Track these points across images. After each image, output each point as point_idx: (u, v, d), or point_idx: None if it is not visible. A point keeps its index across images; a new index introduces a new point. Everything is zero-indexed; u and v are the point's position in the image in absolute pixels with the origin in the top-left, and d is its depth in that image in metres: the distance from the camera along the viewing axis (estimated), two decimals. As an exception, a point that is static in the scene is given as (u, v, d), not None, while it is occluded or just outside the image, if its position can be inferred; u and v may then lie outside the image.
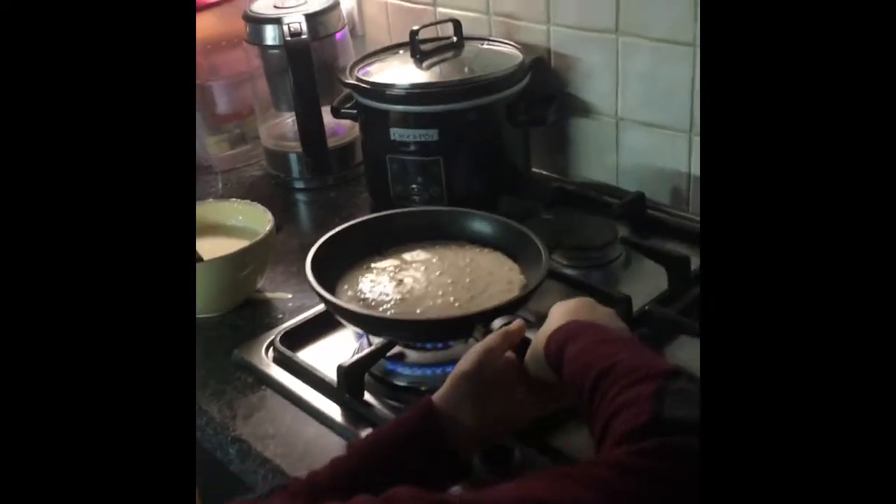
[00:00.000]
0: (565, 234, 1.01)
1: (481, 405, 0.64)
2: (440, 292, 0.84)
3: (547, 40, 1.15)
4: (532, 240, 0.87)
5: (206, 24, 1.28)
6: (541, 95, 1.12)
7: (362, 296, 0.84)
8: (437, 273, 0.87)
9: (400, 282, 0.86)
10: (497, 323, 0.71)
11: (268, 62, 1.23)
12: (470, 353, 0.66)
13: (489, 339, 0.67)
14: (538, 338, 0.64)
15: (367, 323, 0.81)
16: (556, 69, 1.15)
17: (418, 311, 0.81)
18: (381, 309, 0.82)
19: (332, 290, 0.84)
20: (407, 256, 0.91)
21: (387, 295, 0.84)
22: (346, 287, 0.86)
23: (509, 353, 0.67)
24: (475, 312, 0.76)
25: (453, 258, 0.90)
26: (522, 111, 1.09)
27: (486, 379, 0.65)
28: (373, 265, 0.89)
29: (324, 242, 0.88)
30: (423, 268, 0.88)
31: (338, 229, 0.91)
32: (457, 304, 0.82)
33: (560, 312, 0.64)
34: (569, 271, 0.97)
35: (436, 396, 0.65)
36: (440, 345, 0.84)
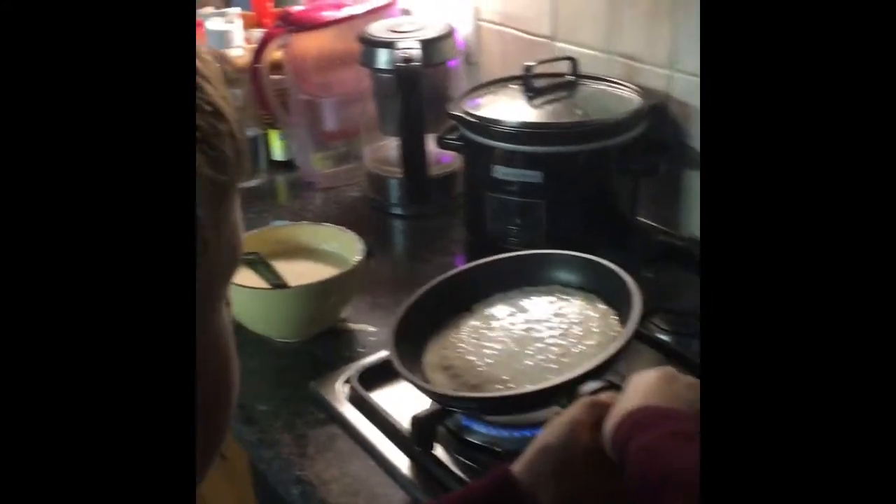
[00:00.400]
0: (666, 295, 0.95)
1: (566, 485, 0.59)
2: (529, 351, 0.80)
3: (668, 86, 1.09)
4: (624, 281, 0.81)
5: (323, 42, 1.28)
6: (656, 143, 1.06)
7: (447, 363, 0.81)
8: (525, 329, 0.82)
9: (486, 344, 0.82)
10: (586, 388, 0.67)
11: (378, 85, 1.22)
12: (555, 425, 0.61)
13: (576, 411, 0.62)
14: (611, 418, 0.59)
15: (448, 401, 0.77)
16: (675, 117, 1.09)
17: (506, 377, 0.77)
18: (467, 376, 0.78)
19: (417, 357, 0.81)
20: (493, 312, 0.86)
21: (473, 359, 0.80)
22: (431, 355, 0.83)
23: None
24: (558, 384, 0.71)
25: (542, 310, 0.84)
26: (635, 159, 1.04)
27: (572, 455, 0.59)
28: (459, 325, 0.85)
29: (408, 309, 0.84)
30: (510, 324, 0.84)
31: (424, 290, 0.86)
32: (548, 364, 0.77)
33: (636, 390, 0.60)
34: (664, 337, 0.90)
35: (515, 467, 0.60)
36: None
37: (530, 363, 0.78)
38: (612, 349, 0.74)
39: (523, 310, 0.86)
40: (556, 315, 0.84)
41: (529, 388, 0.75)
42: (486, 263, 0.91)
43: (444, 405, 0.77)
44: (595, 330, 0.81)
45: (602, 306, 0.84)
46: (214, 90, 0.31)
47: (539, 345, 0.80)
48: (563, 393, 0.70)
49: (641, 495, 0.52)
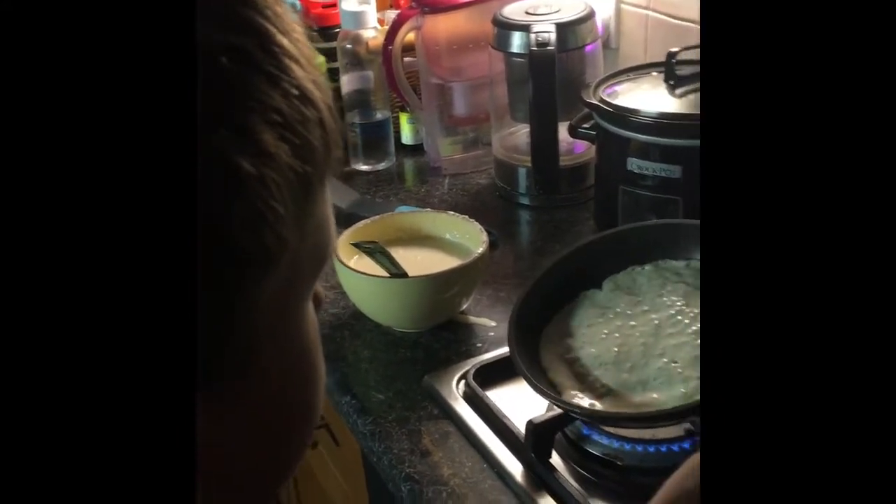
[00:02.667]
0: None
1: None
2: (661, 350, 0.73)
3: (827, 76, 0.99)
4: None
5: (456, 24, 1.25)
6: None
7: (570, 355, 0.76)
8: (659, 320, 0.76)
9: (613, 336, 0.76)
10: None
11: (511, 69, 1.18)
12: (693, 467, 0.54)
13: None
14: None
15: (567, 408, 0.72)
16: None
17: (632, 378, 0.72)
18: (592, 374, 0.73)
19: (537, 345, 0.77)
20: (626, 294, 0.79)
21: (598, 356, 0.74)
22: (552, 344, 0.78)
23: None
24: (685, 408, 0.66)
25: (681, 294, 0.77)
26: (784, 156, 0.95)
27: None
28: (584, 308, 0.80)
29: (532, 288, 0.79)
30: (642, 312, 0.77)
31: (550, 266, 0.81)
32: (679, 369, 0.71)
33: None
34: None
35: None
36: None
37: (661, 365, 0.72)
38: None
39: (658, 293, 0.78)
40: (695, 301, 0.76)
41: (654, 404, 0.69)
42: (618, 232, 0.85)
43: (564, 409, 0.73)
44: None
45: None
46: (304, 73, 0.28)
47: (673, 342, 0.74)
48: (693, 413, 0.64)
49: None
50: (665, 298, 0.78)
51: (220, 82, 0.25)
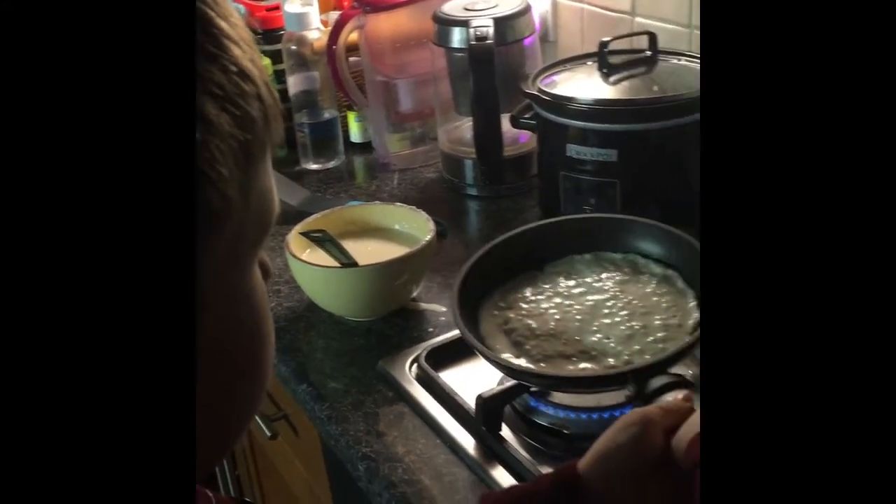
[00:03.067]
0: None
1: (634, 490, 0.55)
2: (596, 327, 0.77)
3: (752, 60, 1.04)
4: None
5: (398, 22, 1.28)
6: (738, 121, 1.02)
7: (508, 325, 0.79)
8: (595, 301, 0.80)
9: (556, 311, 0.80)
10: (655, 383, 0.63)
11: (452, 64, 1.21)
12: (627, 423, 0.57)
13: (649, 411, 0.58)
14: (688, 427, 0.55)
15: (500, 366, 0.75)
16: (759, 93, 1.04)
17: (568, 349, 0.75)
18: (528, 343, 0.77)
19: (477, 315, 0.80)
20: (564, 279, 0.83)
21: (535, 327, 0.78)
22: (491, 313, 0.81)
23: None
24: (625, 370, 0.69)
25: (617, 281, 0.81)
26: (714, 137, 1.00)
27: (644, 458, 0.55)
28: (528, 286, 0.83)
29: (474, 263, 0.83)
30: (578, 293, 0.81)
31: (488, 247, 0.85)
32: (612, 344, 0.75)
33: None
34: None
35: (583, 466, 0.56)
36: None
37: (595, 339, 0.76)
38: (682, 343, 0.72)
39: (596, 279, 0.83)
40: (630, 289, 0.81)
41: (592, 370, 0.73)
42: (560, 222, 0.89)
43: (502, 371, 0.76)
44: (670, 313, 0.78)
45: (681, 285, 0.81)
46: (242, 53, 0.31)
47: (607, 321, 0.78)
48: (632, 380, 0.67)
49: None
50: (602, 284, 0.83)
51: None
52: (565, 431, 0.76)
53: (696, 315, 0.77)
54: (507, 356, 0.75)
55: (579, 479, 0.56)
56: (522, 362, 0.74)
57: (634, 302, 0.80)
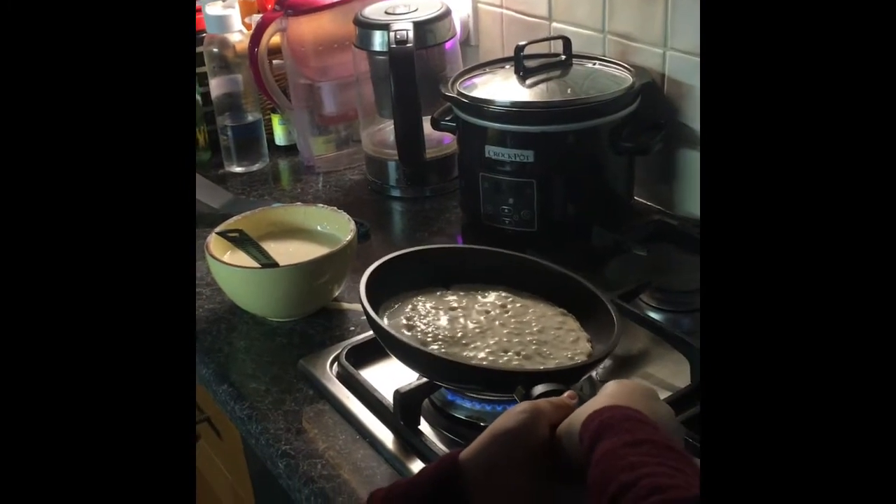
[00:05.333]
0: (657, 273, 0.95)
1: (521, 475, 0.55)
2: (495, 341, 0.79)
3: (662, 65, 1.08)
4: (609, 312, 0.80)
5: (321, 25, 1.29)
6: (649, 122, 1.06)
7: (411, 322, 0.81)
8: (499, 321, 0.82)
9: (457, 320, 0.82)
10: (538, 389, 0.65)
11: (374, 67, 1.22)
12: (514, 412, 0.57)
13: (541, 402, 0.59)
14: (578, 413, 0.56)
15: (400, 351, 0.76)
16: (669, 96, 1.09)
17: (466, 353, 0.77)
18: (428, 341, 0.78)
19: (379, 309, 0.81)
20: (473, 296, 0.86)
21: (438, 329, 0.80)
22: (397, 309, 0.83)
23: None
24: (518, 371, 0.72)
25: (521, 310, 0.84)
26: (627, 138, 1.03)
27: (531, 445, 0.56)
28: (436, 294, 0.86)
29: (388, 261, 0.85)
30: (486, 312, 0.83)
31: (404, 251, 0.87)
32: (510, 360, 0.77)
33: (610, 394, 0.57)
34: (654, 315, 0.91)
35: (465, 454, 0.57)
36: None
37: (491, 349, 0.78)
38: (576, 362, 0.75)
39: (500, 305, 0.85)
40: (532, 321, 0.83)
41: (487, 364, 0.75)
42: (476, 250, 0.91)
43: (400, 356, 0.77)
44: (566, 348, 0.79)
45: (581, 332, 0.82)
46: None
47: (506, 338, 0.80)
48: (522, 382, 0.68)
49: (598, 499, 0.49)
50: (504, 306, 0.85)
51: None
52: (481, 423, 0.78)
53: (587, 347, 0.79)
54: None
55: (459, 466, 0.56)
56: (424, 348, 0.76)
57: (535, 328, 0.81)
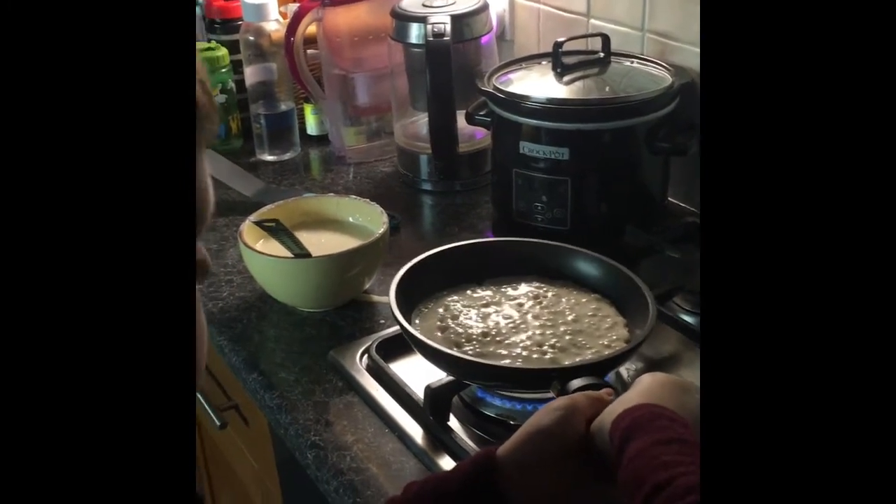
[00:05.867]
0: (690, 275, 0.94)
1: (558, 473, 0.56)
2: (529, 336, 0.79)
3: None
4: (643, 293, 0.80)
5: (357, 16, 1.29)
6: (686, 123, 1.05)
7: (444, 323, 0.81)
8: (532, 314, 0.82)
9: (489, 317, 0.82)
10: (575, 384, 0.65)
11: (410, 60, 1.22)
12: (550, 409, 0.58)
13: (574, 398, 0.59)
14: (610, 410, 0.56)
15: (434, 356, 0.76)
16: (707, 96, 1.07)
17: (500, 351, 0.77)
18: (462, 342, 0.78)
19: (412, 312, 0.81)
20: (505, 290, 0.86)
21: (471, 328, 0.80)
22: (429, 311, 0.83)
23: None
24: (552, 367, 0.71)
25: (554, 300, 0.84)
26: (663, 138, 1.02)
27: (566, 443, 0.56)
28: (467, 293, 0.86)
29: (417, 263, 0.85)
30: (519, 305, 0.83)
31: (434, 252, 0.87)
32: (545, 353, 0.77)
33: (642, 389, 0.57)
34: (687, 318, 0.90)
35: (502, 450, 0.57)
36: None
37: (528, 344, 0.78)
38: (613, 353, 0.74)
39: (537, 295, 0.85)
40: (569, 310, 0.83)
41: (527, 364, 0.75)
42: (505, 242, 0.91)
43: (436, 362, 0.77)
44: (602, 336, 0.79)
45: (617, 316, 0.82)
46: None
47: (539, 331, 0.80)
48: (557, 378, 0.68)
49: (630, 499, 0.49)
50: (538, 299, 0.85)
51: None
52: (511, 422, 0.78)
53: (625, 332, 0.79)
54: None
55: (496, 461, 0.56)
56: (457, 353, 0.76)
57: (569, 318, 0.82)
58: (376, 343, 0.88)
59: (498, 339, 0.79)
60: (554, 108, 1.00)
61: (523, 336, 0.79)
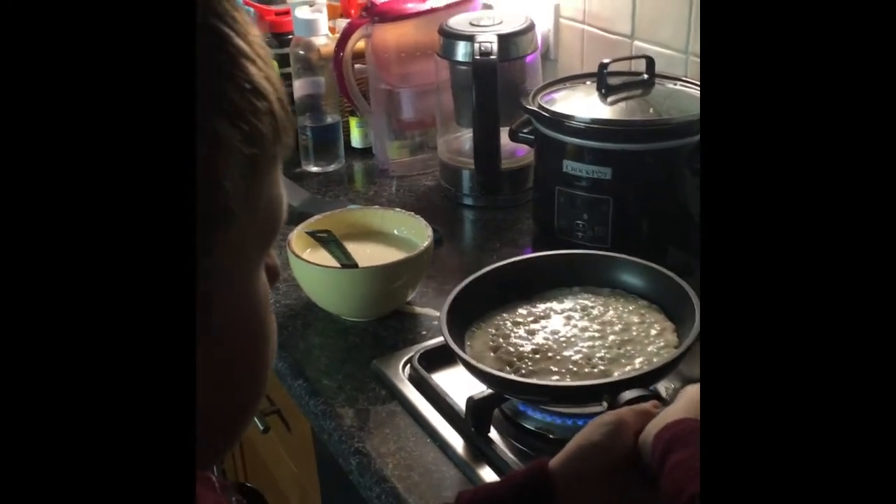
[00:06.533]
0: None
1: (603, 487, 0.58)
2: (580, 348, 0.81)
3: (745, 88, 1.08)
4: (689, 297, 0.81)
5: (405, 33, 1.31)
6: (729, 146, 1.06)
7: (495, 343, 0.83)
8: (581, 327, 0.84)
9: (539, 333, 0.84)
10: (626, 395, 0.67)
11: (455, 77, 1.24)
12: (599, 423, 0.60)
13: (622, 413, 0.61)
14: (655, 423, 0.58)
15: (486, 379, 0.78)
16: (750, 120, 1.08)
17: (551, 368, 0.79)
18: (514, 361, 0.80)
19: (464, 334, 0.83)
20: (553, 304, 0.88)
21: (522, 347, 0.82)
22: (480, 332, 0.85)
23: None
24: (602, 382, 0.73)
25: (602, 310, 0.86)
26: (706, 160, 1.03)
27: (615, 457, 0.58)
28: (517, 310, 0.87)
29: (466, 286, 0.87)
30: (567, 319, 0.85)
31: (482, 272, 0.89)
32: (596, 365, 0.79)
33: (685, 402, 0.58)
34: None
35: (553, 463, 0.59)
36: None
37: (577, 359, 0.79)
38: (661, 361, 0.76)
39: (584, 306, 0.87)
40: (617, 319, 0.85)
41: (571, 382, 0.77)
42: (550, 256, 0.93)
43: (487, 384, 0.79)
44: (650, 343, 0.81)
45: (665, 322, 0.84)
46: (258, 70, 0.33)
47: (589, 343, 0.81)
48: (607, 392, 0.70)
49: None
50: (586, 312, 0.86)
51: None
52: (551, 436, 0.79)
53: (674, 338, 0.81)
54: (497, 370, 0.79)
55: (550, 474, 0.59)
56: (508, 375, 0.78)
57: (617, 327, 0.83)
58: (419, 354, 0.90)
59: (549, 355, 0.81)
60: (598, 129, 1.02)
61: (572, 351, 0.81)
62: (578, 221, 1.06)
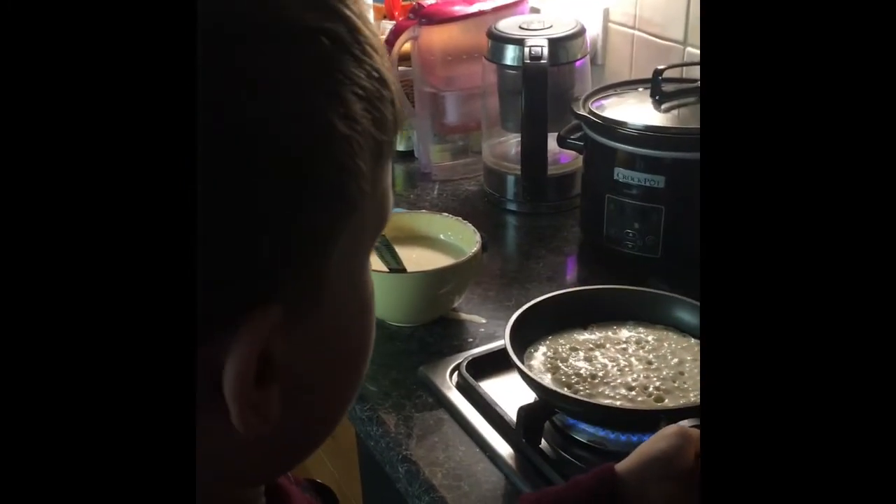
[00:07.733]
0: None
1: (670, 495, 0.58)
2: (635, 378, 0.80)
3: (801, 98, 1.06)
4: None
5: (451, 36, 1.30)
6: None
7: (553, 365, 0.82)
8: (636, 357, 0.84)
9: (596, 359, 0.83)
10: (685, 424, 0.66)
11: (503, 81, 1.23)
12: (667, 434, 0.61)
13: (689, 430, 0.62)
14: None
15: (549, 395, 0.78)
16: (807, 130, 1.06)
17: (607, 392, 0.78)
18: (572, 383, 0.80)
19: (521, 355, 0.83)
20: (608, 334, 0.87)
21: (580, 370, 0.81)
22: (539, 352, 0.85)
23: None
24: (662, 409, 0.72)
25: (656, 345, 0.85)
26: (761, 170, 1.01)
27: (682, 467, 0.59)
28: (573, 336, 0.87)
29: (527, 309, 0.86)
30: (622, 350, 0.85)
31: (541, 298, 0.88)
32: (651, 394, 0.78)
33: None
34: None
35: (622, 467, 0.60)
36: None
37: (634, 386, 0.79)
38: None
39: (636, 342, 0.86)
40: (668, 355, 0.84)
41: (637, 405, 0.76)
42: (609, 290, 0.92)
43: (548, 400, 0.78)
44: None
45: None
46: (381, 61, 0.33)
47: (645, 374, 0.81)
48: (666, 418, 0.70)
49: None
50: (641, 344, 0.86)
51: (320, 57, 0.30)
52: (604, 448, 0.78)
53: None
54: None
55: (618, 478, 0.59)
56: (570, 393, 0.77)
57: (672, 361, 0.83)
58: (467, 361, 0.88)
59: (606, 380, 0.80)
60: (651, 136, 1.00)
61: (629, 378, 0.80)
62: (629, 230, 1.04)
